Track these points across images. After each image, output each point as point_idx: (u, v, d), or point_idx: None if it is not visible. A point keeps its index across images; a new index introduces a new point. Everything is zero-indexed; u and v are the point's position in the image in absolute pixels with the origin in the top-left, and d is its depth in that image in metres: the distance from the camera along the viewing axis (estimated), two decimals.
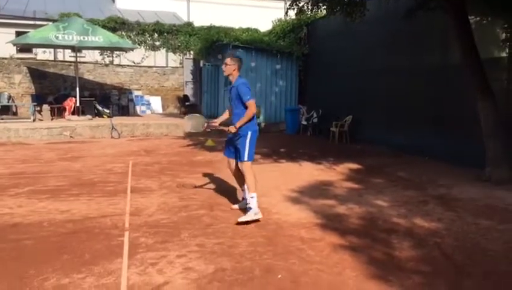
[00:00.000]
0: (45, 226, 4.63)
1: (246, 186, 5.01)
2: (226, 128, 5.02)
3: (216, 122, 5.35)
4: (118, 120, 14.06)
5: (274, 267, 3.60)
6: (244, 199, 5.21)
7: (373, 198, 5.90)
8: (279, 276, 3.45)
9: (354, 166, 8.29)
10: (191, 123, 5.39)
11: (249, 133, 4.92)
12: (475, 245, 4.16)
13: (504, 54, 8.10)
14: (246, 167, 4.90)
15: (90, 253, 3.87)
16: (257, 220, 4.77)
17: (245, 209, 4.97)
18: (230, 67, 4.95)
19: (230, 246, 4.08)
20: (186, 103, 18.09)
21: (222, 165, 8.37)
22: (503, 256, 3.90)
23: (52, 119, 14.33)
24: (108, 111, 15.77)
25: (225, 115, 5.42)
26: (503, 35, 8.19)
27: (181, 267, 3.59)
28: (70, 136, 12.52)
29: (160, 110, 19.44)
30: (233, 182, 5.79)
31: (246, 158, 4.89)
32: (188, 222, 4.81)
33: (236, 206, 5.36)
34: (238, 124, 4.86)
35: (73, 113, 14.87)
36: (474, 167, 7.28)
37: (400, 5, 8.71)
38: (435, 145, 8.92)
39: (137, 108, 18.45)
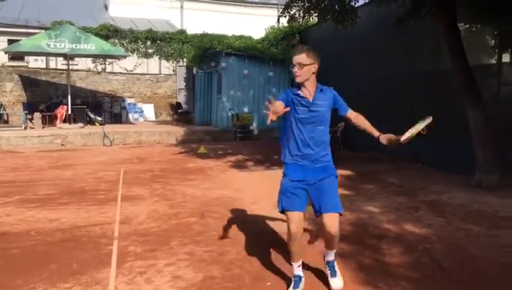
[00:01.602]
0: (33, 235, 4.59)
1: (331, 253, 3.36)
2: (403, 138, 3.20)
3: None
4: (110, 128, 14.02)
5: (264, 275, 3.58)
6: (296, 276, 3.29)
7: (364, 204, 5.91)
8: (269, 283, 3.43)
9: (346, 172, 8.29)
10: None
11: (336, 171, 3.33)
12: (464, 251, 4.17)
13: (493, 61, 8.19)
14: (337, 223, 3.16)
15: (78, 262, 3.84)
16: None
17: None
18: (309, 68, 3.14)
19: (220, 254, 4.06)
20: (179, 110, 18.09)
21: (214, 173, 8.38)
22: (492, 262, 3.90)
23: (43, 127, 14.26)
24: (100, 119, 15.73)
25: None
26: (493, 42, 8.28)
27: (169, 276, 3.56)
28: (62, 144, 12.46)
29: (153, 118, 19.42)
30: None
31: (342, 209, 3.22)
32: (178, 230, 4.79)
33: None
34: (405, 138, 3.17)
35: (64, 121, 14.81)
36: (465, 173, 7.31)
37: (391, 12, 8.79)
38: (426, 152, 8.95)
39: (130, 116, 18.43)
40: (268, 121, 2.84)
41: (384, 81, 10.58)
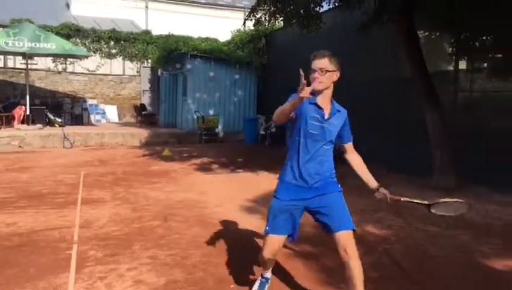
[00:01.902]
0: None
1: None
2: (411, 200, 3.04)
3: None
4: (70, 129, 13.65)
5: (227, 278, 3.57)
6: (264, 278, 3.23)
7: None
8: (232, 286, 3.43)
9: None
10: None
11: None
12: (423, 251, 4.30)
13: (451, 68, 8.50)
14: (354, 239, 2.79)
15: (36, 267, 3.71)
16: None
17: None
18: (330, 75, 2.81)
19: (183, 257, 4.02)
20: (143, 112, 17.81)
21: (178, 175, 8.29)
22: (450, 262, 4.04)
23: (0, 128, 13.69)
24: (60, 120, 15.24)
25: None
26: (450, 50, 8.60)
27: (131, 281, 3.49)
28: (19, 146, 12.00)
29: (116, 120, 19.01)
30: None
31: (353, 225, 2.85)
32: (141, 234, 4.71)
33: None
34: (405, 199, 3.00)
35: (22, 122, 14.27)
36: (425, 175, 7.53)
37: (355, 18, 8.97)
38: (390, 154, 9.16)
39: (92, 117, 17.95)
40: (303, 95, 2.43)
41: (348, 85, 10.74)
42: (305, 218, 5.31)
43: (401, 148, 8.81)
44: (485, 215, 5.55)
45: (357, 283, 2.72)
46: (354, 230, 2.80)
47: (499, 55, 8.13)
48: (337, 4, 9.14)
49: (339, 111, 2.90)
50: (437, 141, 7.16)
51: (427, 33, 8.83)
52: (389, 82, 9.42)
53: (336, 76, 2.82)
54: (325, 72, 2.76)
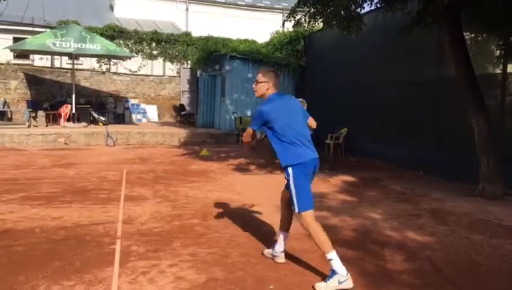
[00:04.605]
0: (37, 233, 4.60)
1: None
2: None
3: None
4: (113, 128, 14.06)
5: (266, 278, 3.58)
6: (276, 242, 3.98)
7: (366, 211, 5.91)
8: (271, 287, 3.43)
9: (348, 178, 8.30)
10: None
11: (290, 171, 3.59)
12: (467, 259, 4.16)
13: (498, 71, 8.20)
14: (304, 220, 3.50)
15: (81, 260, 3.84)
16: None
17: (273, 256, 3.96)
18: (262, 86, 3.77)
19: (222, 256, 4.07)
20: (182, 112, 18.12)
21: (216, 175, 8.39)
22: (494, 271, 3.90)
23: (47, 125, 14.29)
24: (103, 119, 15.75)
25: None
26: (498, 52, 8.29)
27: (172, 277, 3.56)
28: (65, 143, 12.48)
29: (156, 119, 19.45)
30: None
31: (296, 209, 3.54)
32: (181, 231, 4.80)
33: (267, 252, 4.07)
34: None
35: (68, 120, 14.84)
36: (468, 182, 7.30)
37: (397, 19, 8.80)
38: (429, 159, 8.94)
39: (133, 116, 18.44)
40: None
41: (389, 87, 10.57)
42: (343, 222, 5.29)
43: (443, 154, 8.57)
44: None
45: None
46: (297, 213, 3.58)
47: None
48: (378, 5, 8.99)
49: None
50: (483, 146, 6.91)
51: (473, 35, 8.55)
52: (431, 84, 9.18)
53: (266, 86, 3.77)
54: (256, 83, 3.81)
